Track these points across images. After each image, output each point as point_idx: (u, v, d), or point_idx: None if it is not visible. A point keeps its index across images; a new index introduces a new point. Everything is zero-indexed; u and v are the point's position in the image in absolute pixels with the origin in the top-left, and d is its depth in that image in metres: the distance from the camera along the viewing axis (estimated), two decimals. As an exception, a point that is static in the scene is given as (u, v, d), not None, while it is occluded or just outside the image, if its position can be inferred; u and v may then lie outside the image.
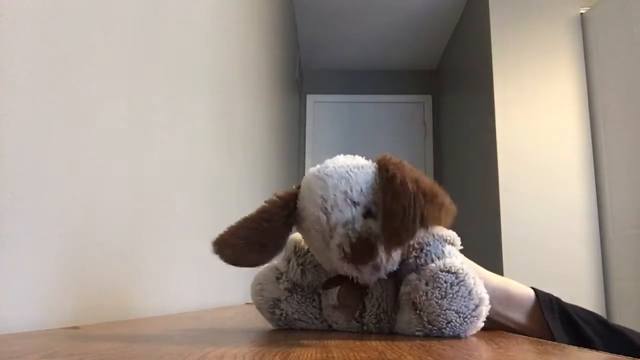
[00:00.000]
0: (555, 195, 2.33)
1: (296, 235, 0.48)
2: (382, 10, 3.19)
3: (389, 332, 0.44)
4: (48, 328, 0.47)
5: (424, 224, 0.36)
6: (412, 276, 0.42)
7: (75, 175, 0.54)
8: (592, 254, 2.27)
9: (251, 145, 1.69)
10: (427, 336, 0.41)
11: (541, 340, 0.42)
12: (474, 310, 0.40)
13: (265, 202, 0.43)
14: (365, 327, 0.44)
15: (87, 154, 0.57)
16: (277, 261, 0.50)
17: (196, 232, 0.99)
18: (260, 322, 0.55)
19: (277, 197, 0.43)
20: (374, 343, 0.35)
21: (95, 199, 0.59)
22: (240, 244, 0.40)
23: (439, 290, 0.40)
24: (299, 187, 0.44)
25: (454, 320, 0.39)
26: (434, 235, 0.44)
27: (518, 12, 2.55)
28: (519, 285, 0.56)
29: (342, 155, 0.44)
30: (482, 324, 0.41)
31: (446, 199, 0.37)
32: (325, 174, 0.41)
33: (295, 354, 0.28)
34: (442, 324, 0.40)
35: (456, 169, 3.30)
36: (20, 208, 0.45)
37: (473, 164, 2.87)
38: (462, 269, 0.40)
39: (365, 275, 0.40)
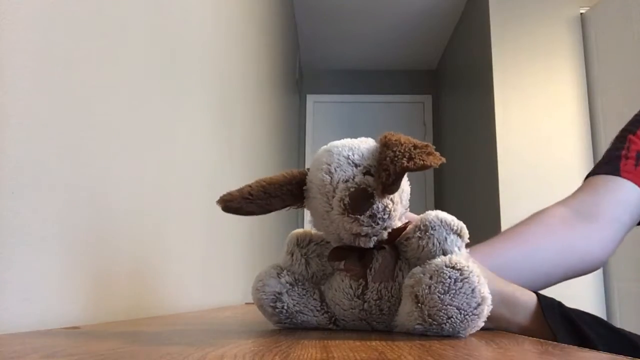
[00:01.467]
0: (555, 195, 2.29)
1: (296, 231, 0.50)
2: (382, 10, 3.19)
3: (388, 311, 0.45)
4: (48, 328, 0.47)
5: (412, 162, 0.39)
6: (417, 269, 0.43)
7: (75, 175, 0.54)
8: (592, 254, 2.26)
9: (251, 145, 1.69)
10: (427, 331, 0.41)
11: (541, 340, 0.42)
12: (475, 308, 0.40)
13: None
14: (366, 304, 0.45)
15: (87, 154, 0.57)
16: (278, 261, 0.51)
17: (196, 232, 0.99)
18: (260, 322, 0.55)
19: (285, 172, 0.47)
20: (374, 343, 0.35)
21: (95, 199, 0.59)
22: (235, 192, 0.45)
23: (442, 285, 0.40)
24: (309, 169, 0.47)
25: (454, 317, 0.39)
26: (440, 221, 0.44)
27: (518, 12, 2.55)
28: (521, 289, 0.56)
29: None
30: (482, 324, 0.41)
31: (436, 152, 0.40)
32: (331, 146, 0.46)
33: (295, 354, 0.28)
34: (443, 319, 0.40)
35: (456, 169, 3.30)
36: (21, 208, 0.45)
37: (473, 164, 2.87)
38: (468, 266, 0.40)
39: (364, 229, 0.42)
